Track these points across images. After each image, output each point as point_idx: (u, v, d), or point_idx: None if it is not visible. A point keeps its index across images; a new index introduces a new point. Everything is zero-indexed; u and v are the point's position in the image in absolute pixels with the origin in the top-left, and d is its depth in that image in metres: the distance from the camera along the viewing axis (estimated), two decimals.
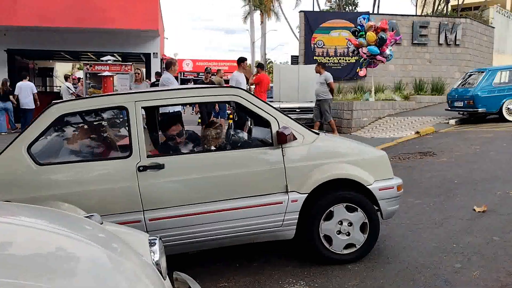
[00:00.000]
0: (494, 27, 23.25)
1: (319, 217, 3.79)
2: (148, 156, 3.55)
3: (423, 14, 27.62)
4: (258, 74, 11.44)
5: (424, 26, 18.46)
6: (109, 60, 13.71)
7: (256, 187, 3.64)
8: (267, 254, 4.17)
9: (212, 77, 13.64)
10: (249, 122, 6.05)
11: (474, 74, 13.35)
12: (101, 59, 15.00)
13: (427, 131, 11.60)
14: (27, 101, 14.27)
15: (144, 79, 14.31)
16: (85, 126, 3.91)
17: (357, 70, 16.59)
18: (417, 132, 11.44)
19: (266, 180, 3.66)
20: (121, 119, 3.85)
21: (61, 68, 28.90)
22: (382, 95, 15.80)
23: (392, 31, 16.09)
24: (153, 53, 17.42)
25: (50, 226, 2.09)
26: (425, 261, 3.85)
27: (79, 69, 21.09)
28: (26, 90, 14.34)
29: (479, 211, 5.03)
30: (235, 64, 11.48)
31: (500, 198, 5.53)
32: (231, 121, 11.28)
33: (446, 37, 18.63)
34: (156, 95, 3.72)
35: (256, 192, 3.64)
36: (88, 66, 13.62)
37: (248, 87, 11.26)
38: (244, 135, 4.24)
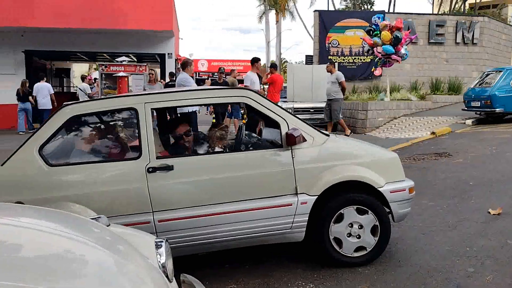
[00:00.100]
0: None
1: (329, 219, 3.76)
2: (157, 158, 3.56)
3: (439, 13, 27.25)
4: (272, 74, 11.41)
5: (440, 25, 18.20)
6: (124, 60, 13.82)
7: (265, 189, 3.63)
8: (276, 256, 4.15)
9: (226, 77, 13.66)
10: (261, 123, 6.04)
11: (491, 73, 13.12)
12: (116, 59, 15.14)
13: (443, 132, 11.43)
14: (45, 102, 14.50)
15: (159, 79, 14.41)
16: (96, 128, 3.93)
17: (372, 70, 16.44)
18: (433, 133, 11.29)
19: (275, 182, 3.64)
20: (131, 121, 3.87)
21: (78, 69, 29.26)
22: (397, 94, 15.62)
23: (408, 30, 15.92)
24: (168, 54, 17.50)
25: (55, 229, 2.10)
26: (437, 265, 3.79)
27: (95, 69, 21.29)
28: (43, 91, 14.58)
29: (494, 214, 4.93)
30: (250, 64, 11.47)
31: None
32: (244, 121, 11.27)
33: (463, 36, 18.34)
34: (166, 96, 3.73)
35: (265, 194, 3.63)
36: (103, 67, 13.75)
37: (262, 87, 11.24)
38: (253, 136, 4.23)
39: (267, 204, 3.62)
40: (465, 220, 4.86)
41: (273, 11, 38.99)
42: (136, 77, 13.31)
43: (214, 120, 12.87)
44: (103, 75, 13.81)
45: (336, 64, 15.19)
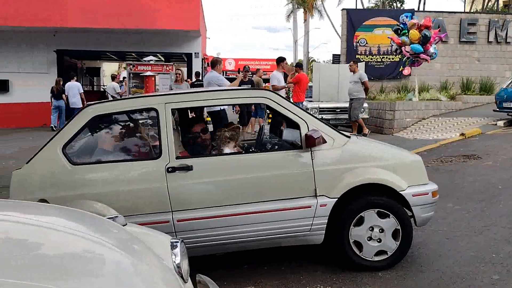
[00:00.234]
0: None
1: (349, 222, 3.70)
2: (177, 158, 3.58)
3: (471, 11, 26.57)
4: (297, 74, 11.36)
5: (472, 23, 17.74)
6: (151, 60, 14.00)
7: (284, 190, 3.60)
8: (296, 258, 4.12)
9: (252, 76, 13.66)
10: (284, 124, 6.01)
11: None
12: (143, 59, 15.35)
13: (472, 133, 11.13)
14: (75, 100, 14.86)
15: (185, 79, 14.53)
16: (118, 127, 3.99)
17: (400, 69, 16.16)
18: (462, 134, 11.01)
19: (295, 184, 3.62)
20: (152, 121, 3.91)
21: (108, 68, 29.84)
22: (427, 94, 15.30)
23: (438, 28, 15.57)
24: (195, 53, 17.65)
25: (74, 228, 2.12)
26: (461, 271, 3.69)
27: (124, 68, 21.67)
28: (73, 90, 14.94)
29: None
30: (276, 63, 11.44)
31: None
32: (269, 121, 11.26)
33: (496, 34, 17.81)
34: (186, 97, 3.75)
35: (284, 195, 3.61)
36: (131, 66, 13.97)
37: (287, 86, 11.22)
38: (274, 137, 4.21)
39: (286, 206, 3.59)
40: (492, 225, 4.72)
41: (301, 10, 38.76)
42: (163, 76, 13.47)
43: (238, 119, 12.91)
44: (131, 74, 14.02)
45: (363, 63, 15.02)
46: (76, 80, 15.76)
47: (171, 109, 3.65)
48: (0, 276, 1.49)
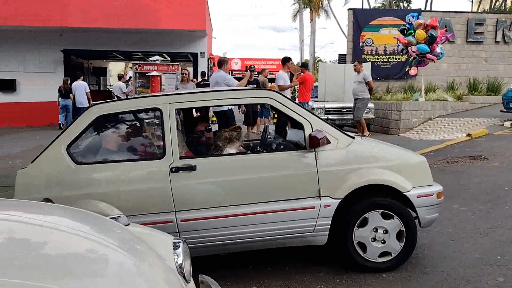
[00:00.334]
0: None
1: (353, 223, 3.69)
2: (181, 158, 3.58)
3: (479, 11, 26.40)
4: (303, 73, 11.35)
5: (479, 23, 17.64)
6: (156, 60, 14.04)
7: (287, 191, 3.60)
8: (300, 258, 4.11)
9: (258, 76, 13.65)
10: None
11: None
12: (149, 59, 15.40)
13: (479, 134, 11.06)
14: (82, 100, 14.92)
15: (191, 78, 14.55)
16: (122, 127, 4.00)
17: (407, 69, 16.10)
18: (469, 135, 10.94)
19: (298, 184, 3.61)
20: (156, 121, 3.92)
21: (115, 68, 29.94)
22: (433, 95, 15.23)
23: (444, 28, 15.49)
24: (201, 53, 17.67)
25: (76, 228, 2.12)
26: (466, 273, 3.66)
27: (131, 68, 21.77)
28: (80, 89, 15.01)
29: None
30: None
31: None
32: (275, 121, 11.25)
33: (503, 34, 17.70)
34: (190, 97, 3.75)
35: (288, 196, 3.60)
36: (137, 66, 14.02)
37: (293, 85, 11.22)
38: (278, 137, 4.20)
39: (289, 207, 3.59)
40: (498, 226, 4.68)
41: (308, 10, 38.71)
42: (169, 76, 13.49)
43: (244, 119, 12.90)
44: (137, 74, 14.07)
45: (370, 63, 14.97)
46: (83, 80, 15.83)
47: (175, 109, 3.66)
48: (2, 275, 1.49)
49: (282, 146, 3.96)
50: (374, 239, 3.72)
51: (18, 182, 3.56)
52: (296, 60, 36.11)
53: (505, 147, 9.25)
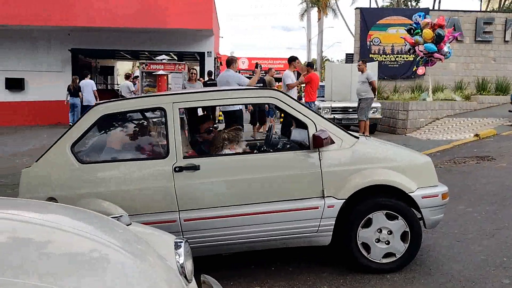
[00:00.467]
0: None
1: (357, 224, 3.67)
2: (184, 157, 3.58)
3: (488, 10, 26.19)
4: (309, 73, 11.34)
5: (488, 23, 17.48)
6: (163, 59, 14.06)
7: (291, 191, 3.58)
8: (303, 258, 4.10)
9: (265, 75, 13.64)
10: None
11: None
12: (156, 58, 15.43)
13: (487, 134, 10.96)
14: (89, 98, 15.02)
15: (198, 78, 14.54)
16: (126, 126, 4.01)
17: (414, 69, 16.00)
18: (476, 135, 10.85)
19: (302, 184, 3.59)
20: (159, 120, 3.92)
21: (122, 67, 30.06)
22: (441, 94, 15.12)
23: (454, 28, 15.38)
24: (207, 52, 17.68)
25: (78, 228, 2.12)
26: (471, 275, 3.63)
27: (138, 67, 21.89)
28: (87, 88, 15.11)
29: None
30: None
31: None
32: (281, 120, 11.25)
33: None
34: (194, 96, 3.75)
35: (291, 196, 3.58)
36: (143, 65, 14.04)
37: (301, 82, 11.22)
38: (282, 137, 4.19)
39: (293, 207, 3.57)
40: (504, 228, 4.64)
41: (315, 9, 38.62)
42: (175, 75, 13.48)
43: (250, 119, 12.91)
44: (144, 73, 14.09)
45: (377, 62, 14.90)
46: (90, 78, 15.91)
47: (179, 109, 3.65)
48: (2, 275, 1.50)
49: (286, 146, 3.94)
50: (378, 240, 3.70)
51: (22, 181, 3.58)
52: (303, 59, 36.03)
53: None
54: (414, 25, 12.97)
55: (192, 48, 18.02)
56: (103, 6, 15.40)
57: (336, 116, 12.60)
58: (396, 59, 17.48)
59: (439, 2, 26.31)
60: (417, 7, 31.18)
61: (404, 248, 3.71)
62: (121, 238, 2.17)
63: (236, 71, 8.38)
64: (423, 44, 12.49)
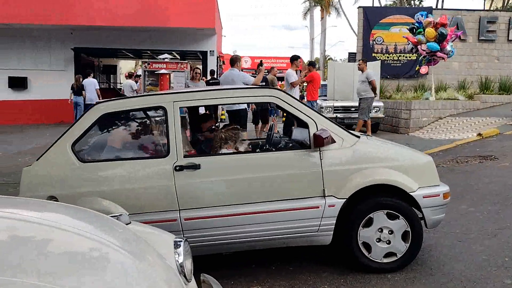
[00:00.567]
0: None
1: (358, 223, 3.66)
2: (185, 156, 3.58)
3: (491, 9, 26.09)
4: (310, 72, 11.33)
5: (492, 21, 17.43)
6: (165, 58, 14.07)
7: (292, 190, 3.57)
8: (304, 258, 4.09)
9: (267, 73, 13.61)
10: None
11: None
12: (158, 57, 15.44)
13: (490, 133, 10.92)
14: (91, 97, 15.04)
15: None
16: (127, 125, 4.01)
17: (417, 68, 15.97)
18: (479, 134, 10.81)
19: (303, 184, 3.58)
20: (160, 119, 3.92)
21: (125, 66, 30.07)
22: (444, 94, 15.08)
23: (457, 27, 15.33)
24: (210, 51, 17.66)
25: (76, 227, 2.12)
26: (472, 275, 3.61)
27: (141, 66, 21.92)
28: (90, 86, 15.15)
29: None
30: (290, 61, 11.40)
31: None
32: (284, 119, 11.24)
33: None
34: (194, 95, 3.75)
35: (292, 195, 3.58)
36: (146, 64, 14.07)
37: (303, 80, 11.21)
38: (284, 136, 4.18)
39: (293, 206, 3.56)
40: (506, 228, 4.62)
41: (318, 8, 38.54)
42: (178, 74, 13.51)
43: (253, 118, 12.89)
44: (146, 72, 14.13)
45: (379, 61, 14.87)
46: (93, 77, 15.94)
47: (180, 108, 3.65)
48: (2, 274, 1.49)
49: (287, 145, 3.93)
50: (379, 240, 3.69)
51: (23, 180, 3.58)
52: (306, 58, 35.96)
53: None
54: (417, 24, 12.94)
55: (194, 47, 18.02)
56: (105, 5, 15.41)
57: (339, 115, 12.59)
58: (399, 58, 17.45)
59: (442, 1, 26.26)
60: (420, 6, 31.09)
61: (405, 248, 3.70)
62: (120, 237, 2.17)
63: (240, 70, 8.37)
64: (425, 43, 12.45)
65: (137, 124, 4.06)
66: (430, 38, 12.34)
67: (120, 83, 24.33)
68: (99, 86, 15.80)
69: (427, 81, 16.34)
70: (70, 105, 15.43)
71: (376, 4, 27.21)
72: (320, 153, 3.59)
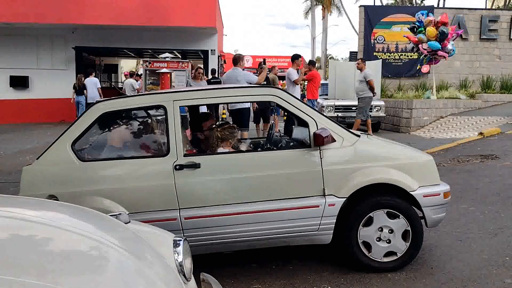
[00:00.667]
0: None
1: (358, 222, 3.65)
2: (185, 155, 3.58)
3: (493, 8, 26.02)
4: (310, 71, 11.35)
5: (494, 20, 17.38)
6: (167, 57, 14.06)
7: (292, 189, 3.57)
8: (304, 257, 4.08)
9: (268, 72, 13.59)
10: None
11: None
12: (159, 56, 15.43)
13: (491, 132, 10.91)
14: (93, 96, 15.06)
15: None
16: (126, 124, 4.01)
17: (418, 67, 15.94)
18: (481, 133, 10.80)
19: (303, 183, 3.58)
20: (160, 118, 3.91)
21: (126, 65, 30.07)
22: (445, 93, 15.06)
23: (459, 25, 15.29)
24: (211, 50, 17.64)
25: (76, 226, 2.11)
26: (472, 274, 3.61)
27: (142, 65, 21.92)
28: (91, 86, 15.16)
29: None
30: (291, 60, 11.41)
31: None
32: (285, 118, 11.24)
33: None
34: (194, 94, 3.74)
35: (292, 194, 3.57)
36: (147, 63, 14.06)
37: (304, 77, 11.22)
38: (284, 135, 4.18)
39: (293, 205, 3.56)
40: (506, 227, 4.61)
41: (320, 7, 38.49)
42: (179, 73, 13.48)
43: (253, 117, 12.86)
44: (147, 71, 14.11)
45: (381, 60, 14.85)
46: (95, 76, 15.95)
47: (181, 107, 3.64)
48: (1, 274, 1.49)
49: (287, 144, 3.93)
50: (379, 239, 3.68)
51: (23, 179, 3.58)
52: (307, 57, 35.92)
53: None
54: (417, 23, 12.92)
55: (195, 46, 18.00)
56: (107, 4, 15.40)
57: (340, 114, 12.57)
58: (400, 57, 17.42)
59: (444, 0, 26.18)
60: (421, 5, 31.04)
61: (405, 247, 3.69)
62: (119, 236, 2.17)
63: (243, 69, 8.36)
64: (426, 42, 12.43)
65: (137, 123, 4.05)
66: (431, 37, 12.33)
67: (121, 82, 24.33)
68: (100, 85, 15.79)
69: (428, 80, 16.31)
70: (71, 104, 15.45)
71: (378, 3, 27.15)
72: (320, 152, 3.59)
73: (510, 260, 3.83)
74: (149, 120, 4.13)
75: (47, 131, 13.70)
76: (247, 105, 7.99)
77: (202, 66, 17.31)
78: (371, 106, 12.30)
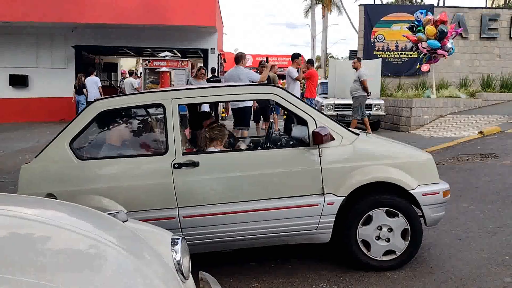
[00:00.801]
0: None
1: (357, 221, 3.65)
2: (184, 154, 3.57)
3: (493, 6, 26.00)
4: (309, 69, 11.37)
5: (494, 19, 17.36)
6: (166, 56, 14.05)
7: (291, 188, 3.56)
8: (303, 256, 4.08)
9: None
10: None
11: None
12: (158, 55, 15.42)
13: (491, 131, 10.90)
14: (93, 95, 15.05)
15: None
16: (125, 122, 4.00)
17: (418, 66, 15.93)
18: (481, 132, 10.79)
19: (302, 181, 3.57)
20: (159, 116, 3.90)
21: (126, 64, 30.06)
22: (445, 91, 15.04)
23: (459, 24, 15.27)
24: (211, 49, 17.62)
25: (74, 225, 2.10)
26: (472, 273, 3.60)
27: (141, 64, 21.91)
28: (92, 85, 15.15)
29: None
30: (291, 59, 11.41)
31: None
32: (284, 117, 11.22)
33: None
34: (193, 92, 3.73)
35: (291, 193, 3.56)
36: (146, 62, 14.05)
37: (304, 76, 11.23)
38: (283, 134, 4.17)
39: (292, 204, 3.55)
40: (506, 226, 4.60)
41: (320, 6, 38.46)
42: (178, 72, 13.48)
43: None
44: (147, 70, 14.10)
45: (380, 59, 14.84)
46: (96, 75, 15.95)
47: (180, 105, 3.63)
48: None
49: (286, 143, 3.92)
50: (378, 237, 3.68)
51: (21, 177, 3.57)
52: (307, 56, 35.86)
53: None
54: (416, 22, 12.90)
55: (195, 45, 17.98)
56: (107, 3, 15.38)
57: (340, 113, 12.56)
58: (400, 56, 17.40)
59: None
60: (421, 3, 31.00)
61: (405, 246, 3.69)
62: (118, 235, 2.16)
63: (244, 67, 8.34)
64: (426, 41, 12.42)
65: (136, 121, 4.05)
66: (430, 36, 12.31)
67: (121, 81, 24.31)
68: (101, 84, 15.78)
69: (428, 79, 16.30)
70: (72, 103, 15.44)
71: (378, 2, 27.12)
72: (319, 151, 3.58)
73: (509, 259, 3.82)
74: (148, 119, 4.12)
75: (47, 130, 13.69)
76: (249, 103, 7.98)
77: (202, 65, 17.32)
78: (371, 104, 12.31)
